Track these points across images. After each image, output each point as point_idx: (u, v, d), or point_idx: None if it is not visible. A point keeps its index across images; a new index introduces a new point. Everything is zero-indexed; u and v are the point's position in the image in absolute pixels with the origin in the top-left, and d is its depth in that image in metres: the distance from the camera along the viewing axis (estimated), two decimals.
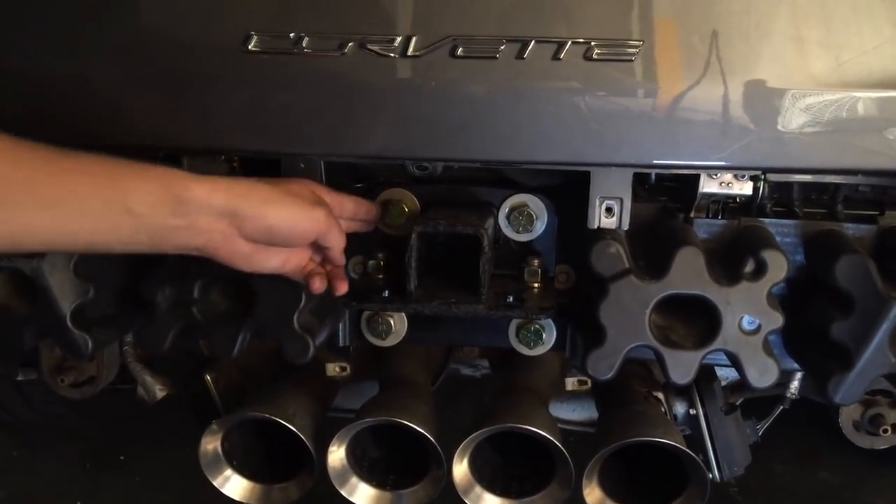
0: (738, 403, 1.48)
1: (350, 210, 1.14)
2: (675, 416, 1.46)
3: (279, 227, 0.97)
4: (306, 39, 1.00)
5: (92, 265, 1.16)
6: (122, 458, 2.25)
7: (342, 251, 1.09)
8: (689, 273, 1.07)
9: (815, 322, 1.13)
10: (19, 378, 1.67)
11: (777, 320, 1.08)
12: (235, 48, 1.01)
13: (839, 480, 2.15)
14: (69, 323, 1.14)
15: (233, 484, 1.34)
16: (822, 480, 2.16)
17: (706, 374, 1.45)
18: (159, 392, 1.55)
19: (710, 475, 1.42)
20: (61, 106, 1.08)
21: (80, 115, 1.08)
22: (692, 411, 1.44)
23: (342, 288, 1.10)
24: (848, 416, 1.59)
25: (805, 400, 1.68)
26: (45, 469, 2.22)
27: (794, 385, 1.44)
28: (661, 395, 1.44)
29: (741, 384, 1.53)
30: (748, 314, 1.08)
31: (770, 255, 1.07)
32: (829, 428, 1.75)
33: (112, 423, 2.29)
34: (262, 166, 1.13)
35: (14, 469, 2.23)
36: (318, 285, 1.07)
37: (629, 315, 1.08)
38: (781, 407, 1.47)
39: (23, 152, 0.82)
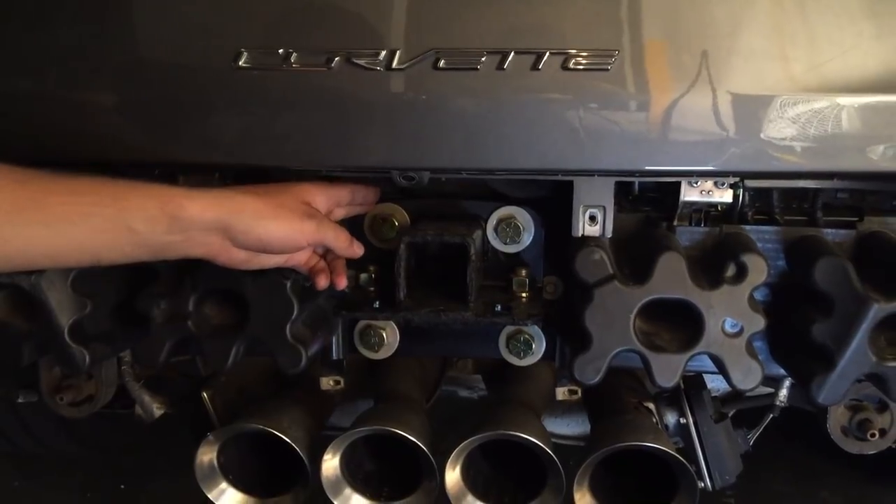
0: (729, 414, 1.50)
1: (346, 198, 1.18)
2: (666, 426, 1.47)
3: (269, 240, 1.03)
4: (294, 55, 1.03)
5: (89, 281, 1.19)
6: (122, 487, 2.25)
7: (344, 246, 1.14)
8: (671, 277, 1.09)
9: (797, 325, 1.15)
10: (20, 400, 1.68)
11: (759, 322, 1.10)
12: (226, 65, 1.05)
13: (839, 499, 2.15)
14: (67, 337, 1.16)
15: (228, 497, 1.36)
16: (822, 499, 2.16)
17: (695, 383, 1.47)
18: (157, 411, 1.57)
19: (702, 484, 1.43)
20: (60, 126, 1.12)
21: (77, 135, 1.11)
22: (682, 420, 1.45)
23: (341, 283, 1.16)
24: (836, 421, 1.59)
25: (804, 420, 1.69)
26: (46, 499, 2.23)
27: (783, 393, 1.45)
28: (651, 406, 1.45)
29: (732, 395, 1.55)
30: (730, 317, 1.10)
31: (750, 259, 1.09)
32: (828, 448, 1.76)
33: (112, 454, 2.29)
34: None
35: (15, 500, 2.24)
36: (322, 283, 1.14)
37: (614, 320, 1.10)
38: (771, 415, 1.48)
39: (28, 176, 0.88)
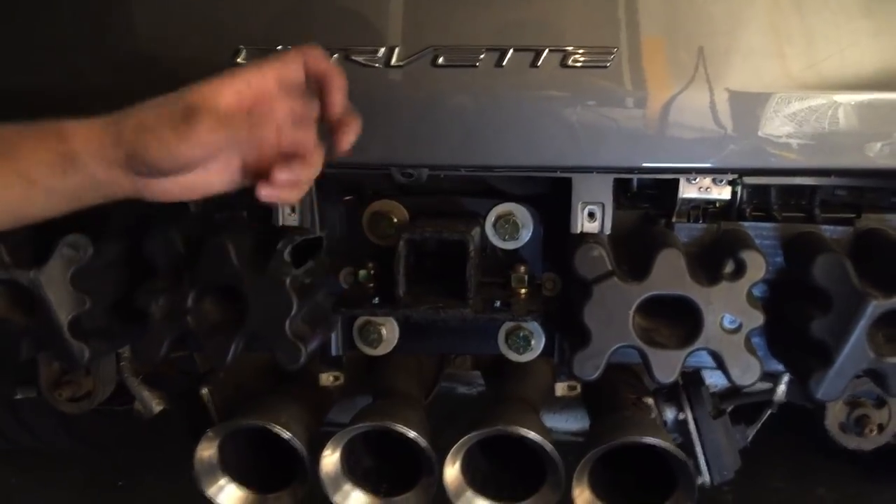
0: (727, 410, 1.50)
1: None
2: (665, 422, 1.47)
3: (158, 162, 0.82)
4: None
5: (89, 277, 1.19)
6: (120, 484, 2.25)
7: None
8: (670, 274, 1.09)
9: (795, 322, 1.15)
10: (18, 396, 1.68)
11: (757, 318, 1.10)
12: (225, 62, 1.05)
13: (836, 496, 2.15)
14: (66, 333, 1.17)
15: (227, 493, 1.36)
16: (819, 496, 2.16)
17: (694, 379, 1.47)
18: (156, 406, 1.57)
19: (700, 479, 1.43)
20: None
21: None
22: (681, 416, 1.45)
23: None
24: (834, 417, 1.59)
25: (801, 418, 1.70)
26: (44, 496, 2.23)
27: (781, 389, 1.46)
28: (650, 402, 1.45)
29: (731, 391, 1.55)
30: (729, 313, 1.10)
31: (749, 256, 1.10)
32: (825, 445, 1.77)
33: (110, 450, 2.30)
34: None
35: (13, 496, 2.23)
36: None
37: (613, 316, 1.11)
38: (769, 411, 1.49)
39: None
